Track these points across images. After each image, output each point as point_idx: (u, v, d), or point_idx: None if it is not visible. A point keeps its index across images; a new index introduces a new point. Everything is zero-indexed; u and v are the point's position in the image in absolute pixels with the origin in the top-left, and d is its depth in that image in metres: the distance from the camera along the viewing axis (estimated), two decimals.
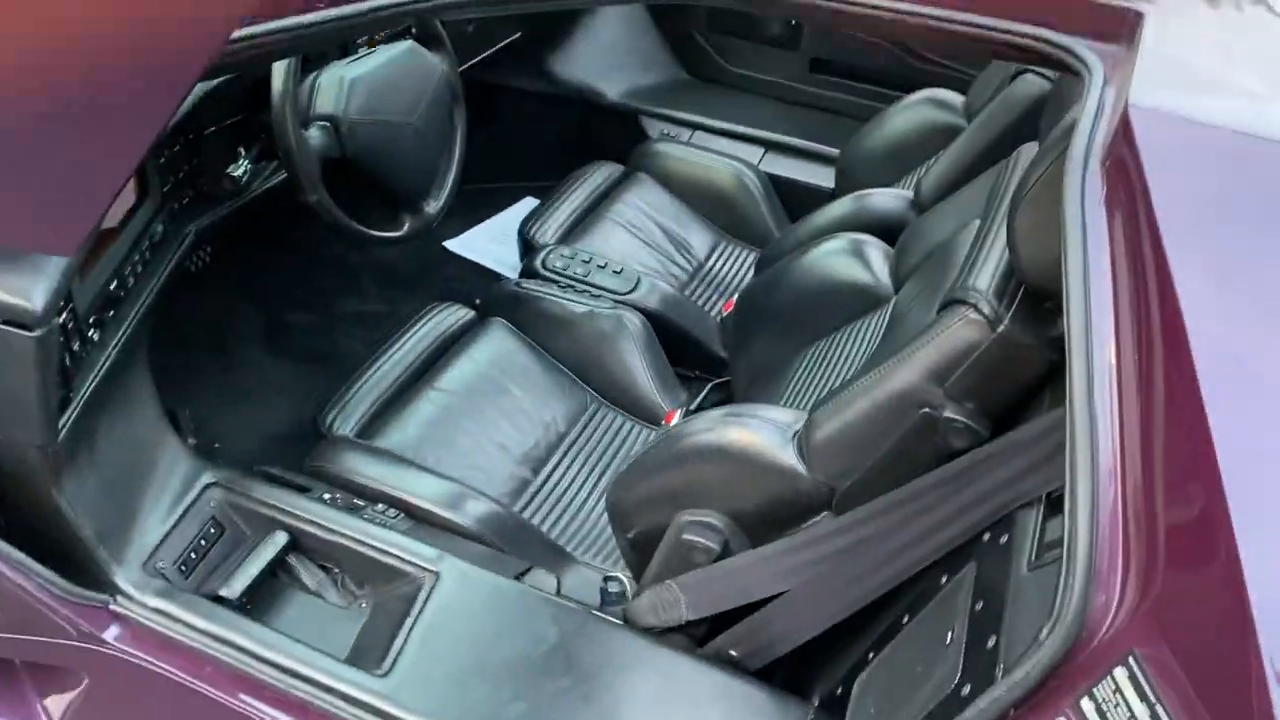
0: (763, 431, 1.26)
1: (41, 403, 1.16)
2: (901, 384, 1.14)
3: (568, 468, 1.76)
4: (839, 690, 1.18)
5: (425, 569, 1.36)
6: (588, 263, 2.04)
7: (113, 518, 1.34)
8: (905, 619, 1.09)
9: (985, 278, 1.13)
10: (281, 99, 1.41)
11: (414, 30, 1.64)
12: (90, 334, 1.32)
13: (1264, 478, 0.68)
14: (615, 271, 2.02)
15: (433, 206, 1.69)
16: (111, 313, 1.37)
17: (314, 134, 1.49)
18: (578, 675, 1.26)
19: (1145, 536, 0.73)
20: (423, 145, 1.62)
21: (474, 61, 2.17)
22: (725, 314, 2.08)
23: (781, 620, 1.24)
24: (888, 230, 1.71)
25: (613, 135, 2.50)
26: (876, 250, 1.65)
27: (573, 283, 2.00)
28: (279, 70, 1.41)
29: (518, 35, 2.31)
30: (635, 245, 2.18)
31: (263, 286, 2.22)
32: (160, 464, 1.43)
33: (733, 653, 1.29)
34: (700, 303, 2.15)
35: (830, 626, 1.20)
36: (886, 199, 1.81)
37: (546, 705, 1.22)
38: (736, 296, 1.95)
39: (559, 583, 1.43)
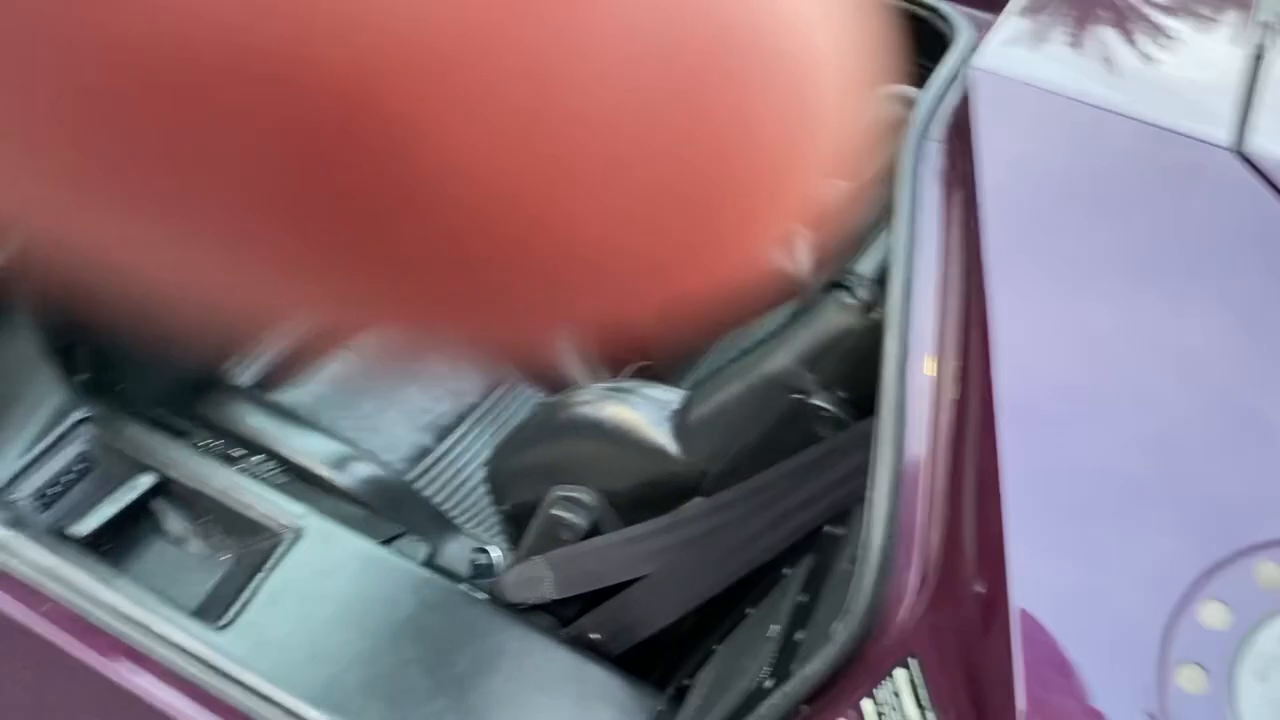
0: (640, 408, 1.21)
1: None
2: (774, 367, 1.09)
3: (472, 439, 1.71)
4: (687, 681, 1.13)
5: (286, 526, 1.32)
6: None
7: None
8: (749, 610, 1.04)
9: (870, 264, 1.07)
10: None
11: None
12: None
13: (1046, 494, 0.63)
14: None
15: None
16: None
17: None
18: (427, 647, 1.21)
19: (940, 539, 0.68)
20: None
21: None
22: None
23: (642, 604, 1.19)
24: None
25: None
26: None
27: None
28: None
29: None
30: None
31: None
32: (30, 394, 1.38)
33: (594, 635, 1.24)
34: None
35: (689, 613, 1.15)
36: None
37: (387, 675, 1.17)
38: None
39: (433, 552, 1.38)
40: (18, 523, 1.27)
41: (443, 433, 1.69)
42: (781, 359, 1.10)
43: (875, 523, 0.71)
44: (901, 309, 0.76)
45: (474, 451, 1.70)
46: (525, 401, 1.79)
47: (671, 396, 1.23)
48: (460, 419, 1.72)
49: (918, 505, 0.70)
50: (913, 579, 0.68)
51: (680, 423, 1.17)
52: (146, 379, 1.74)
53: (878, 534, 0.70)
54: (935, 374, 0.74)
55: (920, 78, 2.18)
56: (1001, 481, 0.63)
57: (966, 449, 0.70)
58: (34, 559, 1.24)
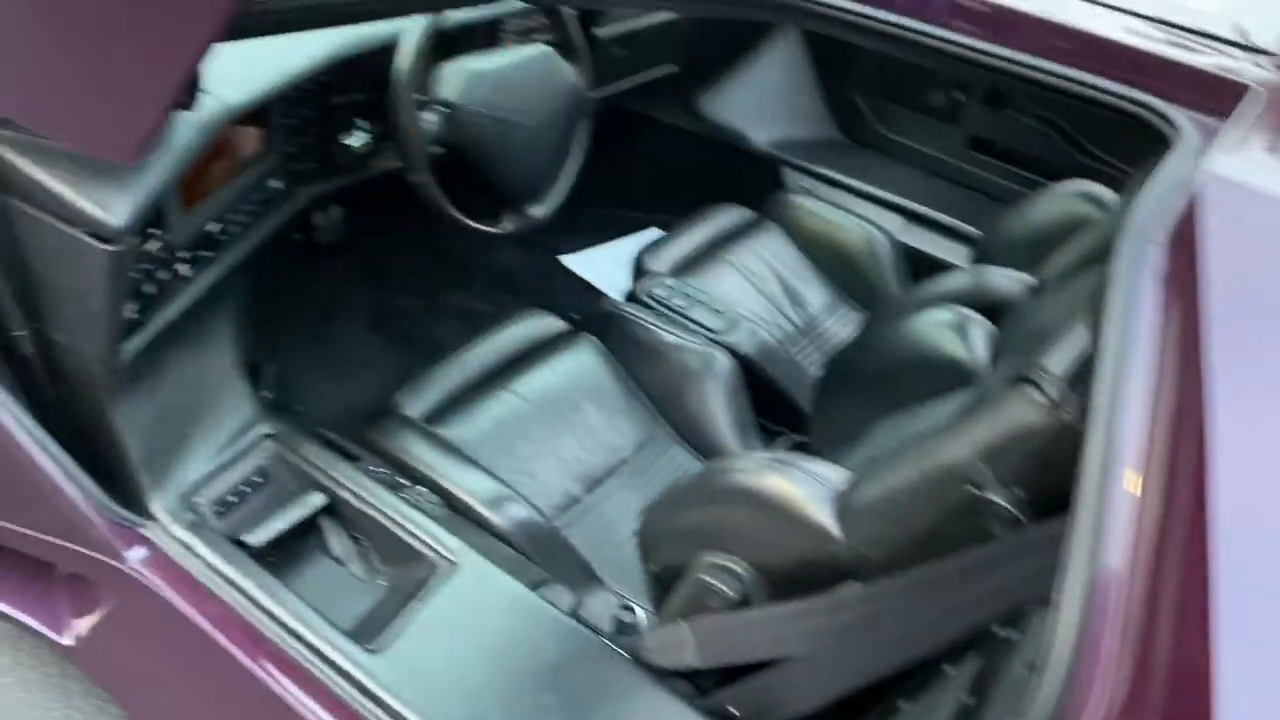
0: (803, 484, 1.19)
1: (108, 317, 1.21)
2: (950, 457, 1.06)
3: (620, 492, 1.72)
4: None
5: (445, 558, 1.35)
6: (689, 296, 2.01)
7: (161, 445, 1.38)
8: (902, 703, 1.01)
9: (1061, 361, 1.04)
10: (402, 76, 1.45)
11: (553, 39, 1.67)
12: (180, 267, 1.37)
13: (1264, 625, 0.59)
14: (715, 310, 1.98)
15: (536, 210, 1.69)
16: (209, 253, 1.42)
17: (429, 117, 1.52)
18: (565, 696, 1.21)
19: (1133, 659, 0.65)
20: (535, 149, 1.63)
21: (621, 88, 2.19)
22: (821, 376, 2.00)
23: (787, 685, 1.16)
24: (998, 311, 1.61)
25: (752, 182, 2.47)
26: (980, 329, 1.56)
27: (671, 313, 1.97)
28: (405, 48, 1.45)
29: (673, 69, 2.32)
30: (746, 290, 2.13)
31: (379, 268, 2.29)
32: (222, 405, 1.47)
33: (733, 709, 1.22)
34: (802, 361, 2.09)
35: (834, 701, 1.11)
36: (1005, 279, 1.71)
37: (524, 718, 1.18)
38: (828, 361, 1.88)
39: (577, 602, 1.39)
40: (198, 526, 1.34)
41: (593, 484, 1.71)
42: (959, 450, 1.06)
43: (1062, 632, 0.68)
44: (1108, 415, 0.73)
45: (622, 506, 1.71)
46: (674, 464, 1.80)
47: (835, 475, 1.21)
48: (611, 472, 1.74)
49: (1108, 620, 0.67)
50: (1096, 695, 0.65)
51: (844, 504, 1.15)
52: (324, 403, 1.83)
53: (1064, 644, 0.67)
54: (1139, 486, 0.71)
55: (1110, 177, 2.11)
56: (1212, 608, 0.59)
57: (1169, 567, 0.66)
58: (211, 562, 1.30)
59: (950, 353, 1.55)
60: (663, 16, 2.15)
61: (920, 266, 2.30)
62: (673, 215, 2.33)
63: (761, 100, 2.54)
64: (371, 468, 1.49)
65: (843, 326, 2.22)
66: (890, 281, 2.23)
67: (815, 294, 2.23)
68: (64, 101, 1.03)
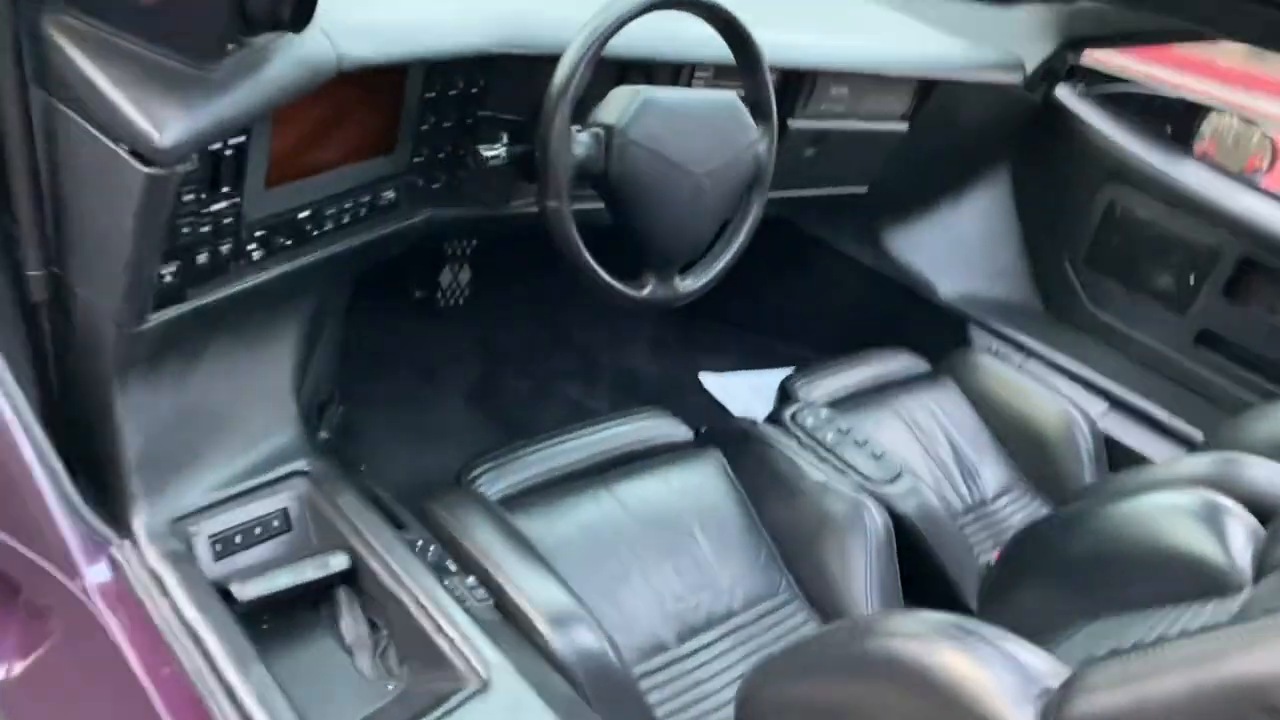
0: (996, 669, 0.82)
1: (134, 264, 0.95)
2: (1243, 669, 0.69)
3: (721, 653, 1.35)
4: None
5: (477, 672, 1.01)
6: (845, 433, 1.66)
7: (167, 451, 1.10)
8: None
9: None
10: (559, 89, 1.20)
11: (745, 98, 1.42)
12: (250, 245, 1.12)
13: None
14: (875, 455, 1.63)
15: (685, 284, 1.40)
16: (287, 241, 1.18)
17: (582, 137, 1.27)
18: None
19: None
20: (699, 206, 1.35)
21: (801, 194, 1.92)
22: (992, 562, 1.60)
23: None
24: (1261, 509, 1.21)
25: (930, 333, 2.14)
26: (1240, 524, 1.16)
27: (820, 447, 1.63)
28: (570, 56, 1.21)
29: (860, 190, 2.04)
30: (911, 446, 1.78)
31: (493, 340, 2.03)
32: (258, 423, 1.19)
33: None
34: (970, 539, 1.70)
35: None
36: (1270, 471, 1.31)
37: None
38: (1013, 536, 1.49)
39: None
40: (180, 559, 1.04)
41: (688, 632, 1.35)
42: (1256, 660, 0.69)
43: None
44: None
45: (719, 667, 1.34)
46: (796, 630, 1.42)
47: (1041, 662, 0.83)
48: (713, 622, 1.38)
49: None
50: None
51: (1059, 709, 0.76)
52: (391, 466, 1.54)
53: None
54: None
55: None
56: None
57: None
58: (180, 606, 0.99)
59: (1195, 548, 1.15)
60: (869, 125, 1.89)
61: (1120, 461, 1.90)
62: (832, 354, 2.01)
63: (956, 247, 2.23)
64: (416, 539, 1.18)
65: (1019, 511, 1.83)
66: (1087, 471, 1.84)
67: (992, 468, 1.85)
68: None
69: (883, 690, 0.88)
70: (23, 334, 1.05)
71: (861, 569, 1.45)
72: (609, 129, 1.27)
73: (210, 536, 1.10)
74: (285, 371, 1.24)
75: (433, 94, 1.32)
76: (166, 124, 0.90)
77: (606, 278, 1.32)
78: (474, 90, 1.37)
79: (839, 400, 1.80)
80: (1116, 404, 1.99)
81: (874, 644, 0.91)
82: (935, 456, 1.80)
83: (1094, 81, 2.16)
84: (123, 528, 1.05)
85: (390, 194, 1.33)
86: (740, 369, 2.22)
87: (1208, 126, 2.08)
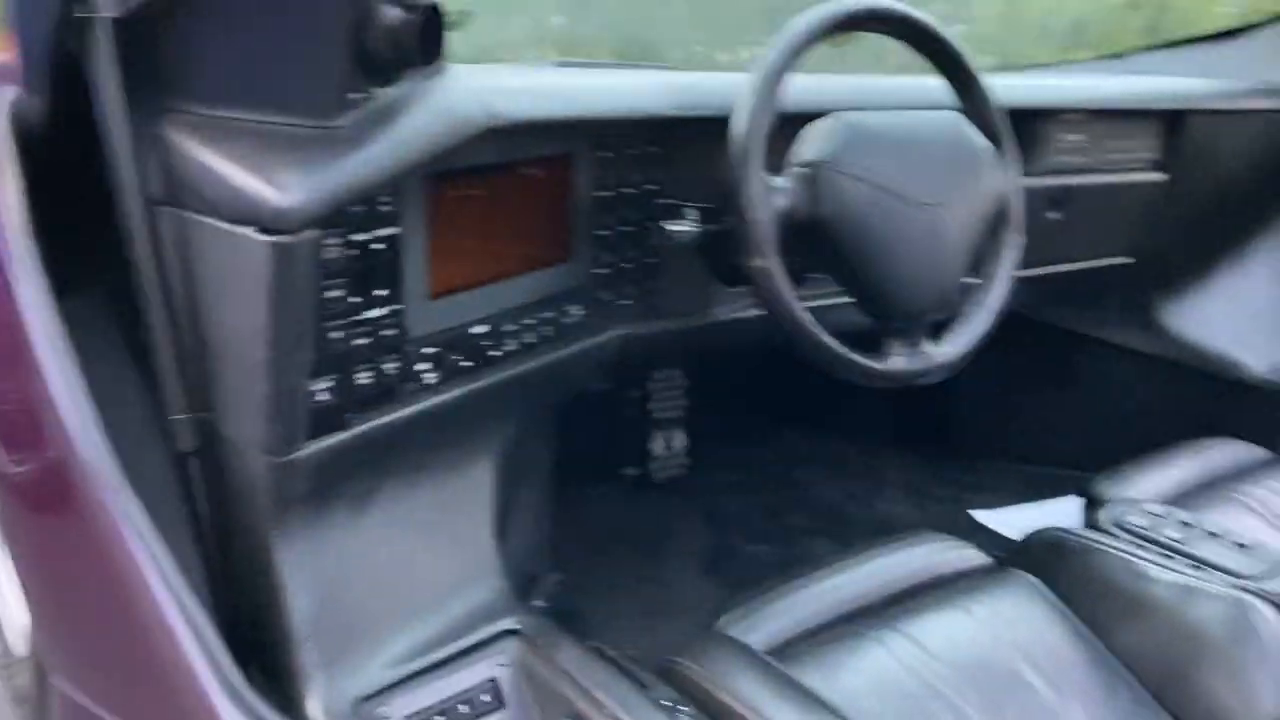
0: None
1: (274, 364, 0.79)
2: None
3: None
4: None
5: None
6: (1190, 526, 1.28)
7: (342, 615, 0.89)
8: None
9: None
10: (744, 130, 1.01)
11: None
12: (419, 367, 0.95)
13: None
14: (1238, 544, 1.23)
15: (940, 350, 1.11)
16: (467, 363, 1.00)
17: (781, 181, 1.05)
18: None
19: None
20: (938, 247, 1.08)
21: (1054, 270, 1.62)
22: None
23: None
24: None
25: (1251, 419, 1.73)
26: None
27: (1160, 547, 1.25)
28: (744, 98, 1.03)
29: (1128, 260, 1.73)
30: (1274, 537, 1.36)
31: (720, 508, 1.77)
32: (450, 576, 0.97)
33: None
34: None
35: None
36: None
37: None
38: None
39: None
40: None
41: None
42: None
43: None
44: None
45: None
46: None
47: None
48: None
49: None
50: None
51: None
52: (624, 638, 1.27)
53: None
54: None
55: None
56: None
57: None
58: None
59: None
60: (1119, 178, 1.61)
61: None
62: (1120, 465, 1.64)
63: (1256, 313, 1.85)
64: (665, 701, 0.90)
65: None
66: None
67: None
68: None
69: None
70: (174, 492, 0.90)
71: (1269, 687, 1.05)
72: (812, 164, 1.05)
73: (405, 719, 0.86)
74: (482, 515, 1.03)
75: (606, 192, 1.16)
76: (288, 183, 0.75)
77: (840, 348, 1.06)
78: (651, 185, 1.21)
79: (1167, 498, 1.42)
80: None
81: None
82: None
83: None
84: (296, 713, 0.83)
85: (576, 310, 1.15)
86: (1016, 504, 1.85)
87: None
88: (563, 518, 1.37)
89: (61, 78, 0.85)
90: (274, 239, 0.75)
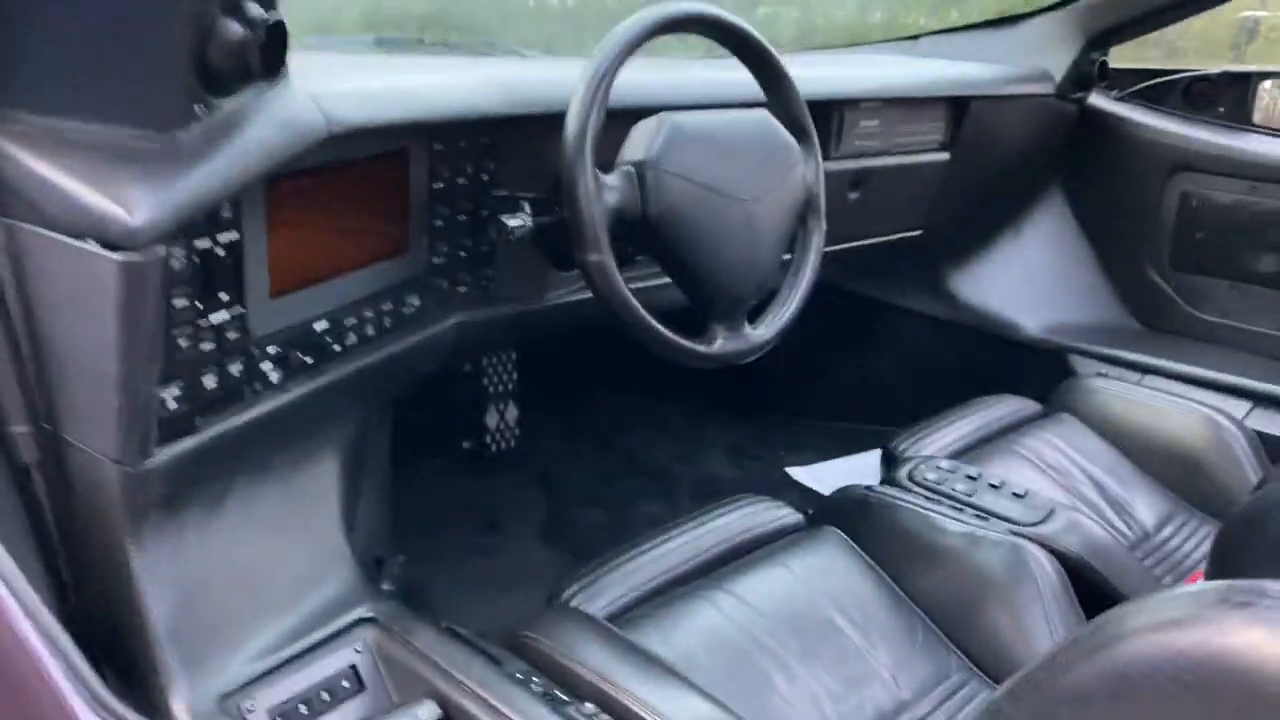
0: None
1: (125, 377, 0.80)
2: None
3: None
4: None
5: None
6: (975, 479, 1.44)
7: (202, 616, 0.91)
8: None
9: None
10: (576, 130, 1.07)
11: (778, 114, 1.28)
12: (264, 366, 0.97)
13: None
14: (1016, 495, 1.40)
15: (758, 333, 1.22)
16: (308, 358, 1.02)
17: (611, 179, 1.12)
18: None
19: None
20: (754, 237, 1.18)
21: (854, 245, 1.76)
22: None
23: None
24: None
25: (1028, 374, 1.94)
26: None
27: (951, 499, 1.40)
28: (576, 98, 1.09)
29: (918, 233, 1.89)
30: (1050, 488, 1.55)
31: (555, 476, 1.84)
32: (304, 570, 1.00)
33: None
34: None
35: None
36: None
37: None
38: (1223, 525, 1.25)
39: None
40: None
41: None
42: None
43: None
44: None
45: None
46: (978, 702, 1.17)
47: None
48: (887, 718, 1.13)
49: None
50: None
51: None
52: (470, 614, 1.33)
53: None
54: None
55: None
56: None
57: None
58: None
59: None
60: (909, 159, 1.75)
61: None
62: (919, 422, 1.81)
63: (1030, 278, 2.06)
64: (517, 673, 0.96)
65: (1188, 539, 1.57)
66: (1250, 474, 1.60)
67: (1143, 499, 1.61)
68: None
69: (1161, 709, 0.65)
70: (16, 503, 0.89)
71: (1041, 623, 1.21)
72: (639, 164, 1.13)
73: (270, 711, 0.89)
74: (330, 509, 1.07)
75: (440, 184, 1.20)
76: (134, 200, 0.76)
77: (670, 334, 1.15)
78: (484, 175, 1.25)
79: (955, 453, 1.58)
80: (1260, 399, 1.76)
81: (1130, 646, 0.68)
82: (1079, 495, 1.57)
83: (1127, 82, 2.04)
84: (160, 714, 0.85)
85: (415, 300, 1.19)
86: (828, 459, 2.01)
87: (1263, 93, 1.93)
88: (401, 494, 1.40)
89: None
90: (123, 257, 0.76)
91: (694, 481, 1.91)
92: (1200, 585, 0.68)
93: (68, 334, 0.82)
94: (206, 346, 0.90)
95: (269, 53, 0.81)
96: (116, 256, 0.76)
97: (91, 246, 0.77)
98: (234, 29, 0.79)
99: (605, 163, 1.14)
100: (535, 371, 1.87)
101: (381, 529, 1.31)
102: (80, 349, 0.81)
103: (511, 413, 1.84)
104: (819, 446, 2.05)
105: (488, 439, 1.82)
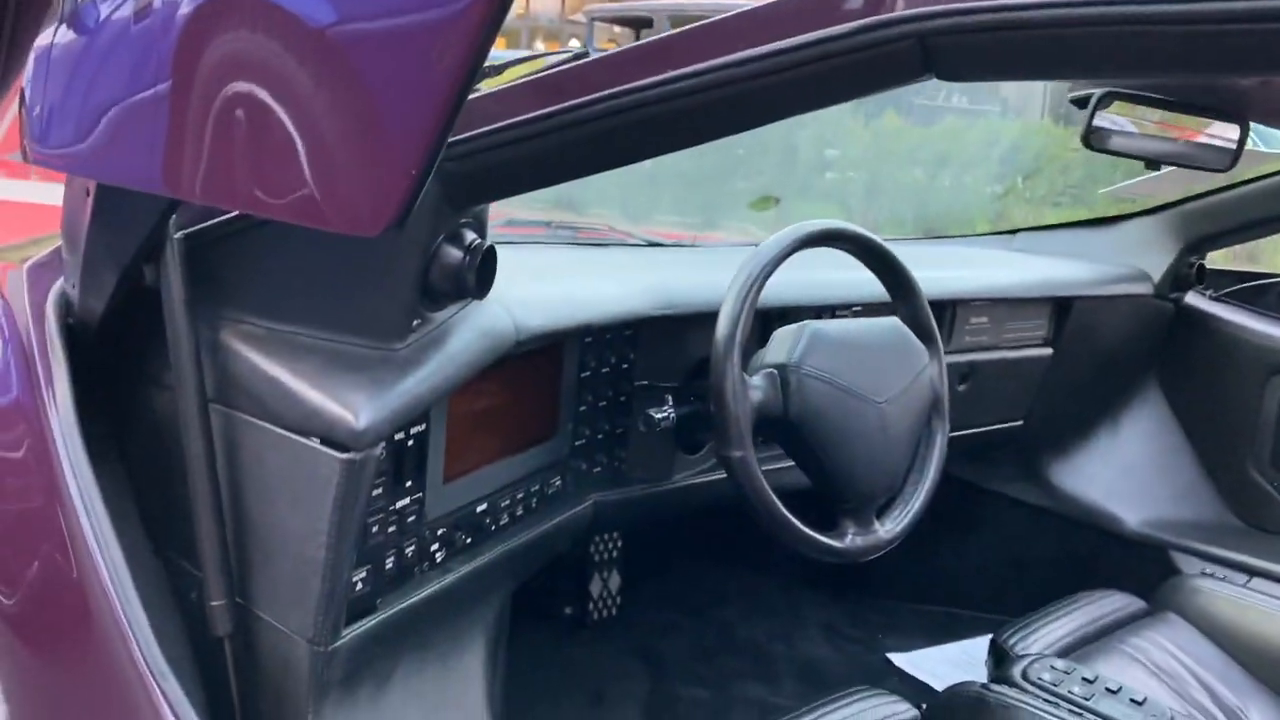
0: None
1: (331, 565, 0.86)
2: None
3: None
4: None
5: None
6: (1091, 682, 1.44)
7: None
8: None
9: None
10: (726, 333, 1.15)
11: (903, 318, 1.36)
12: (433, 548, 1.03)
13: None
14: (1135, 701, 1.39)
15: (886, 529, 1.27)
16: (468, 539, 1.09)
17: (756, 381, 1.19)
18: None
19: None
20: (887, 437, 1.24)
21: (960, 434, 1.81)
22: None
23: None
24: None
25: (1129, 569, 1.93)
26: None
27: (1068, 704, 1.40)
28: (728, 304, 1.17)
29: (1019, 423, 1.93)
30: (1162, 691, 1.53)
31: (656, 649, 1.86)
32: None
33: None
34: None
35: None
36: None
37: None
38: None
39: None
40: None
41: None
42: None
43: None
44: None
45: None
46: None
47: None
48: None
49: None
50: None
51: None
52: None
53: None
54: None
55: None
56: None
57: None
58: None
59: None
60: (1014, 354, 1.81)
61: None
62: (1022, 612, 1.81)
63: (1130, 473, 2.07)
64: None
65: None
66: None
67: (1259, 708, 1.58)
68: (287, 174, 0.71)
69: None
70: (199, 677, 0.94)
71: None
72: (782, 367, 1.20)
73: None
74: (478, 687, 1.11)
75: (588, 373, 1.28)
76: (359, 406, 0.84)
77: (807, 529, 1.20)
78: (625, 365, 1.33)
79: (1064, 650, 1.58)
80: None
81: None
82: (1191, 700, 1.55)
83: (1224, 284, 2.10)
84: None
85: (557, 481, 1.26)
86: (926, 644, 2.00)
87: None
88: (510, 662, 1.44)
89: (124, 284, 0.92)
90: (347, 456, 0.83)
91: (792, 661, 1.91)
92: None
93: (277, 520, 0.89)
94: (391, 530, 0.96)
95: (482, 274, 0.90)
96: (342, 456, 0.83)
97: (315, 444, 0.85)
98: (454, 254, 0.89)
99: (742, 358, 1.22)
100: (638, 542, 1.91)
101: (503, 698, 1.34)
102: (289, 534, 0.88)
103: (614, 581, 1.88)
104: (917, 631, 2.04)
105: (590, 607, 1.84)
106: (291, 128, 0.62)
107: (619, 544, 1.90)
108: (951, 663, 1.92)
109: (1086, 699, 1.41)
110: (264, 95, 0.62)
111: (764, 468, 1.20)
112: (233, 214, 0.89)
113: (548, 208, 2.19)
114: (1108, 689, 1.43)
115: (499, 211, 1.98)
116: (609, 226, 2.03)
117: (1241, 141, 1.55)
